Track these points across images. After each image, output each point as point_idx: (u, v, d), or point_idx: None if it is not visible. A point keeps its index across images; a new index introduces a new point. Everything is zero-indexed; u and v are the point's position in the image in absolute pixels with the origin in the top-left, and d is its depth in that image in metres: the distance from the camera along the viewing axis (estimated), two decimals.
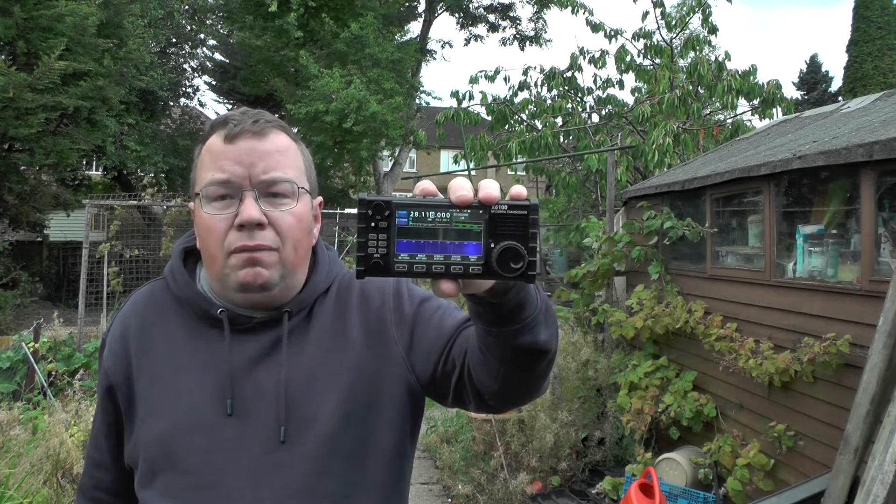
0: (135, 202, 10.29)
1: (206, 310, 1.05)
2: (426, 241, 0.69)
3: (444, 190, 0.73)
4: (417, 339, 1.07)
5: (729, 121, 9.07)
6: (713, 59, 9.02)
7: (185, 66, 18.43)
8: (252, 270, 1.00)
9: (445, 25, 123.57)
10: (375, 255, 0.69)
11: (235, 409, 1.00)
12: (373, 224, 0.69)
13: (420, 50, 17.42)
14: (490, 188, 0.70)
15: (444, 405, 1.11)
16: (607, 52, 9.16)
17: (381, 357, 1.07)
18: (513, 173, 22.90)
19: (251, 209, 0.99)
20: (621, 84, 9.34)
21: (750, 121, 9.10)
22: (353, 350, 1.06)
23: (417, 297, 1.12)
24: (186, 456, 0.99)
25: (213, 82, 20.95)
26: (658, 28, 9.02)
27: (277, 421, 1.00)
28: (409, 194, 0.73)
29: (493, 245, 0.69)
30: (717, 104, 9.03)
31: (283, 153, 1.04)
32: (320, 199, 1.14)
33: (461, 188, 0.71)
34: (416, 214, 0.70)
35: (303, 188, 1.05)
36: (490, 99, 9.54)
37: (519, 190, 0.72)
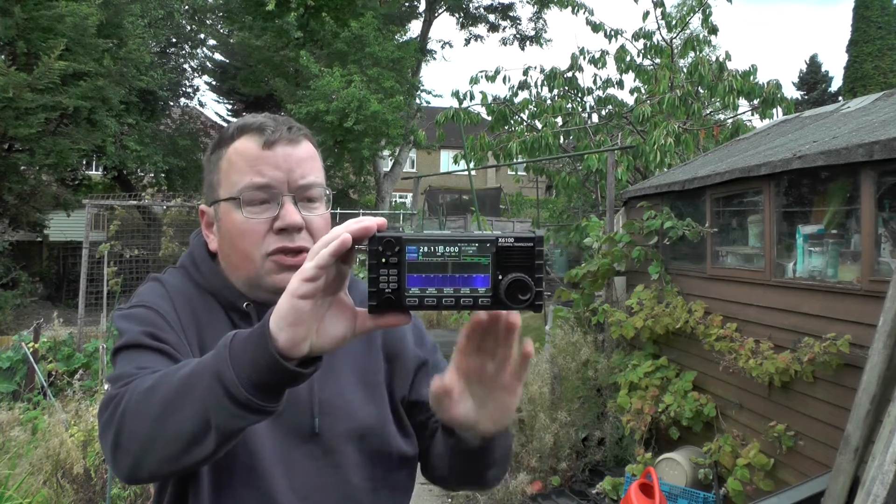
0: (135, 202, 10.28)
1: (233, 301, 1.06)
2: (436, 276, 0.72)
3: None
4: (424, 372, 1.15)
5: (729, 121, 9.07)
6: (714, 59, 9.02)
7: (185, 66, 18.43)
8: (290, 275, 1.02)
9: (445, 25, 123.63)
10: (387, 291, 0.71)
11: None
12: (384, 260, 0.71)
13: (420, 50, 17.42)
14: None
15: None
16: (607, 53, 9.16)
17: (399, 366, 1.13)
18: (513, 173, 22.91)
19: (294, 214, 1.02)
20: (621, 84, 9.35)
21: (750, 121, 9.10)
22: (377, 352, 1.12)
23: (432, 340, 1.21)
24: None
25: (213, 82, 20.96)
26: (658, 28, 9.03)
27: (311, 414, 1.03)
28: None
29: (500, 277, 0.72)
30: (718, 104, 9.03)
31: (313, 160, 1.08)
32: None
33: None
34: (426, 249, 0.72)
35: (329, 192, 1.10)
36: (490, 99, 9.54)
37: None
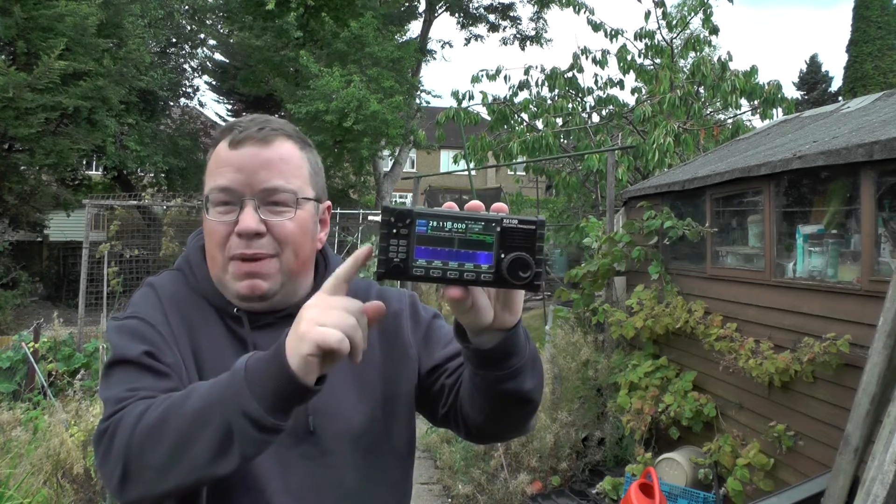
0: (135, 202, 10.29)
1: (224, 306, 1.06)
2: (442, 249, 0.75)
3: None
4: (428, 346, 1.13)
5: (729, 121, 9.08)
6: (715, 59, 9.02)
7: (185, 66, 18.41)
8: (250, 283, 1.02)
9: (445, 25, 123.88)
10: (395, 259, 0.75)
11: None
12: (394, 231, 0.75)
13: (420, 50, 17.41)
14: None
15: (432, 423, 1.16)
16: (608, 52, 9.17)
17: (398, 358, 1.12)
18: (513, 173, 22.90)
19: (249, 219, 0.99)
20: (622, 84, 9.36)
21: (750, 121, 9.11)
22: (374, 350, 1.10)
23: (431, 310, 1.19)
24: None
25: (213, 82, 20.96)
26: (659, 28, 9.03)
27: (305, 412, 1.02)
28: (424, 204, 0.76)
29: (503, 255, 0.75)
30: (718, 104, 9.03)
31: (286, 161, 1.04)
32: (328, 203, 1.14)
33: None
34: (435, 224, 0.75)
35: (304, 198, 1.05)
36: (490, 99, 9.54)
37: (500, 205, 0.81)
